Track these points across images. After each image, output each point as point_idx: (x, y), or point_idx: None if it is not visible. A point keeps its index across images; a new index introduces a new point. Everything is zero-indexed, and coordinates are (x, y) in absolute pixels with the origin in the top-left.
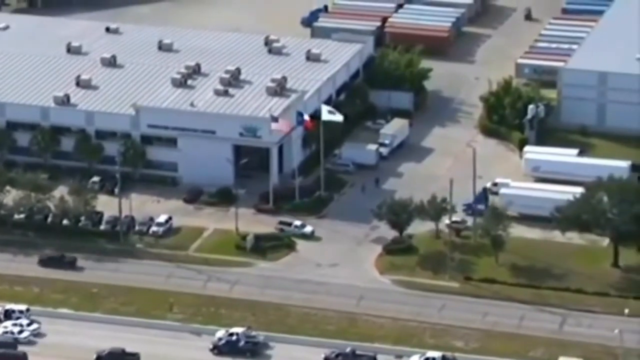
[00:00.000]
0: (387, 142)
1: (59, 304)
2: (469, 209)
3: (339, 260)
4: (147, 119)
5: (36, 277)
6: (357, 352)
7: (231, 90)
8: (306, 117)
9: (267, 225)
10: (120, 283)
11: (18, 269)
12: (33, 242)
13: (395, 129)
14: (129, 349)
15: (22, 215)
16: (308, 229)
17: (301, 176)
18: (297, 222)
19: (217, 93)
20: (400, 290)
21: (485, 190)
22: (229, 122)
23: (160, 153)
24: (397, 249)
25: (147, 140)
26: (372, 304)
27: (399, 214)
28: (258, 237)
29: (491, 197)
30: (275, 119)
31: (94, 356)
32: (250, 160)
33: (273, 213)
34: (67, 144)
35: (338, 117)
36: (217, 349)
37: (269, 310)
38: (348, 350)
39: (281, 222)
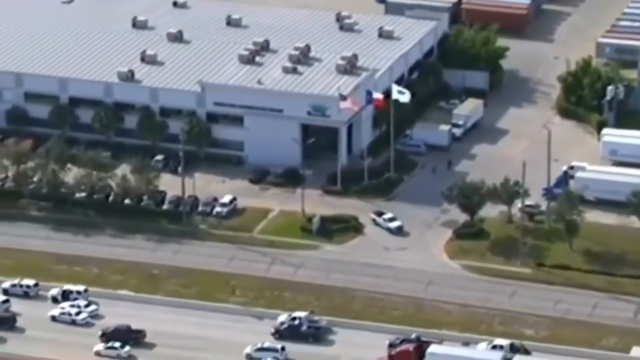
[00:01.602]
0: (460, 122)
1: (118, 285)
2: (548, 193)
3: (407, 244)
4: (213, 97)
5: (96, 258)
6: (422, 338)
7: (300, 68)
8: (377, 96)
9: (334, 207)
10: (181, 265)
11: (77, 248)
12: (93, 222)
13: (469, 109)
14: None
15: (83, 194)
16: (395, 223)
17: (370, 157)
18: (388, 215)
19: (286, 71)
20: (470, 275)
21: (565, 174)
22: (297, 101)
23: (226, 132)
24: (468, 233)
25: (212, 118)
26: (440, 289)
27: (470, 197)
28: (324, 219)
29: None
30: (344, 98)
31: (99, 332)
32: (318, 140)
33: (340, 195)
34: (131, 121)
35: (405, 97)
36: (278, 334)
37: (334, 295)
38: (413, 336)
39: (376, 213)
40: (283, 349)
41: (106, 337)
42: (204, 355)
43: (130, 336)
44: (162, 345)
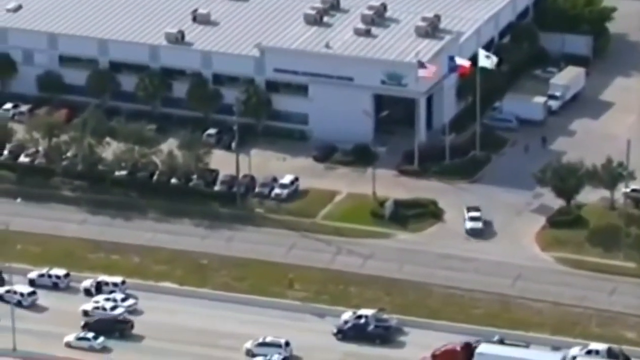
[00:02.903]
0: (558, 94)
1: (161, 277)
2: None
3: (493, 232)
4: (274, 62)
5: (136, 245)
6: (507, 341)
7: (374, 30)
8: (461, 62)
9: (410, 189)
10: (234, 254)
11: (116, 234)
12: (135, 204)
13: (568, 78)
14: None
15: (123, 172)
16: (473, 224)
17: (453, 133)
18: (474, 214)
19: (358, 33)
20: (565, 269)
21: None
22: (370, 68)
23: (288, 102)
24: (563, 221)
25: (272, 86)
26: (530, 285)
27: (567, 180)
28: (398, 204)
29: None
30: (423, 65)
31: (82, 322)
32: (393, 112)
33: (418, 175)
34: (180, 89)
35: (494, 64)
36: (341, 334)
37: (407, 290)
38: (496, 339)
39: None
40: (287, 344)
41: (89, 327)
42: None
43: (115, 327)
44: (207, 345)
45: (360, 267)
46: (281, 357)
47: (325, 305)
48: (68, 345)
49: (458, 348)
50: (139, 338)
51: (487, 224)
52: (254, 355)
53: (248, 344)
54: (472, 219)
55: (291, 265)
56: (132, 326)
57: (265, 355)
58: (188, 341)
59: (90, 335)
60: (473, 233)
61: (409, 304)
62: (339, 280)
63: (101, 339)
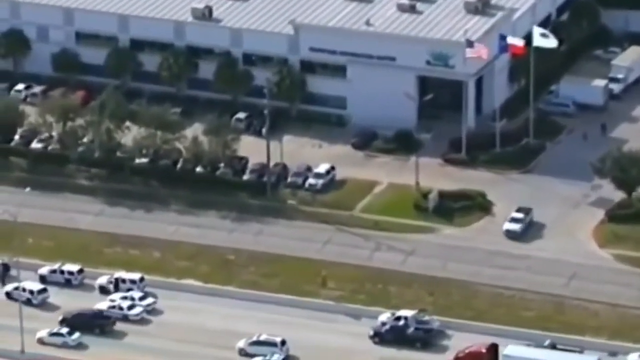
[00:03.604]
0: (620, 76)
1: (183, 274)
2: None
3: (546, 227)
4: (310, 41)
5: (157, 239)
6: (559, 346)
7: (419, 6)
8: (514, 42)
9: (456, 180)
10: (263, 249)
11: (135, 227)
12: (156, 194)
13: (632, 59)
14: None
15: (144, 160)
16: (510, 226)
17: (504, 118)
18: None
19: (401, 9)
20: (624, 268)
21: None
22: (414, 47)
23: (325, 84)
24: (624, 215)
25: (308, 67)
26: (587, 285)
27: (628, 170)
28: (444, 195)
29: None
30: (472, 44)
31: (60, 317)
32: (439, 96)
33: (465, 165)
34: (207, 70)
35: (551, 42)
36: (378, 337)
37: (452, 289)
38: (547, 343)
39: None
40: (283, 342)
41: (66, 322)
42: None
43: (95, 323)
44: (225, 348)
45: (401, 264)
46: (281, 357)
47: (362, 306)
48: (40, 341)
49: (483, 350)
50: (120, 335)
51: (533, 226)
52: (247, 355)
53: (241, 343)
54: (513, 219)
55: (325, 262)
56: (114, 322)
57: (260, 355)
58: (205, 343)
59: (65, 330)
60: (510, 235)
61: (453, 305)
62: (377, 279)
63: (76, 334)
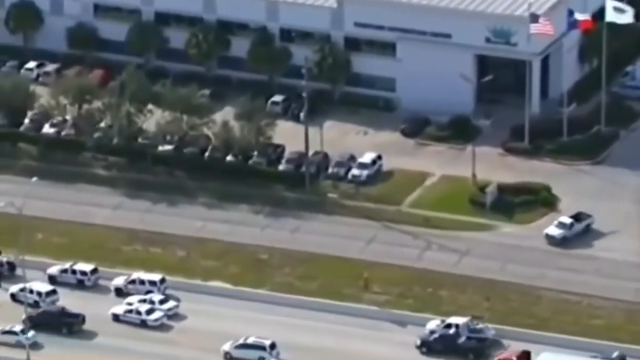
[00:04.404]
0: None
1: (210, 275)
2: None
3: (619, 225)
4: (355, 15)
5: (182, 236)
6: (628, 359)
7: None
8: (583, 17)
9: (518, 171)
10: (300, 248)
11: (157, 222)
12: (182, 186)
13: None
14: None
15: (168, 147)
16: (554, 231)
17: (573, 103)
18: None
19: None
20: None
21: None
22: (472, 23)
23: (371, 64)
24: None
25: (353, 44)
26: None
27: None
28: (503, 189)
29: None
30: (536, 19)
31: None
32: (500, 77)
33: (528, 155)
34: (240, 46)
35: (627, 17)
36: (426, 346)
37: (510, 294)
38: (615, 355)
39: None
40: (273, 346)
41: (32, 321)
42: None
43: (62, 321)
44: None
45: (454, 265)
46: None
47: (408, 312)
48: None
49: (514, 358)
50: (91, 335)
51: (589, 232)
52: (232, 359)
53: (226, 346)
54: (560, 224)
55: (369, 263)
56: (83, 320)
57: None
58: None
59: (18, 328)
60: (552, 241)
61: (511, 311)
62: (426, 282)
63: (31, 333)
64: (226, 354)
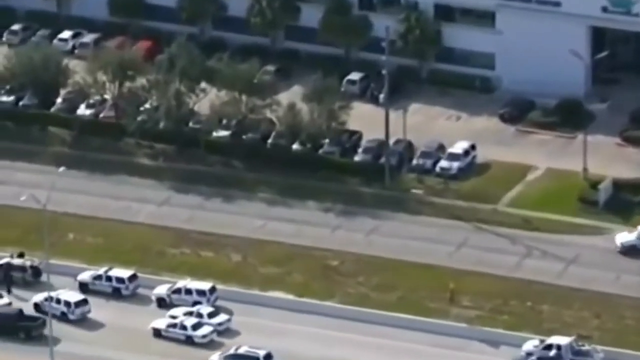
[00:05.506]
0: None
1: (270, 284)
2: None
3: None
4: None
5: (238, 237)
6: None
7: None
8: None
9: (638, 165)
10: (377, 253)
11: (210, 220)
12: (239, 178)
13: None
14: None
15: (224, 133)
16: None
17: None
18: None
19: None
20: None
21: None
22: None
23: (466, 37)
24: None
25: (443, 13)
26: None
27: None
28: (620, 186)
29: None
30: None
31: None
32: (618, 54)
33: None
34: (310, 15)
35: None
36: None
37: (625, 311)
38: None
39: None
40: (269, 356)
41: None
42: None
43: (19, 325)
44: None
45: (559, 276)
46: None
47: (503, 330)
48: None
49: None
50: (55, 341)
51: None
52: None
53: (215, 357)
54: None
55: (458, 271)
56: (43, 323)
57: None
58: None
59: None
60: (623, 250)
61: (624, 331)
62: (526, 294)
63: None
64: None
